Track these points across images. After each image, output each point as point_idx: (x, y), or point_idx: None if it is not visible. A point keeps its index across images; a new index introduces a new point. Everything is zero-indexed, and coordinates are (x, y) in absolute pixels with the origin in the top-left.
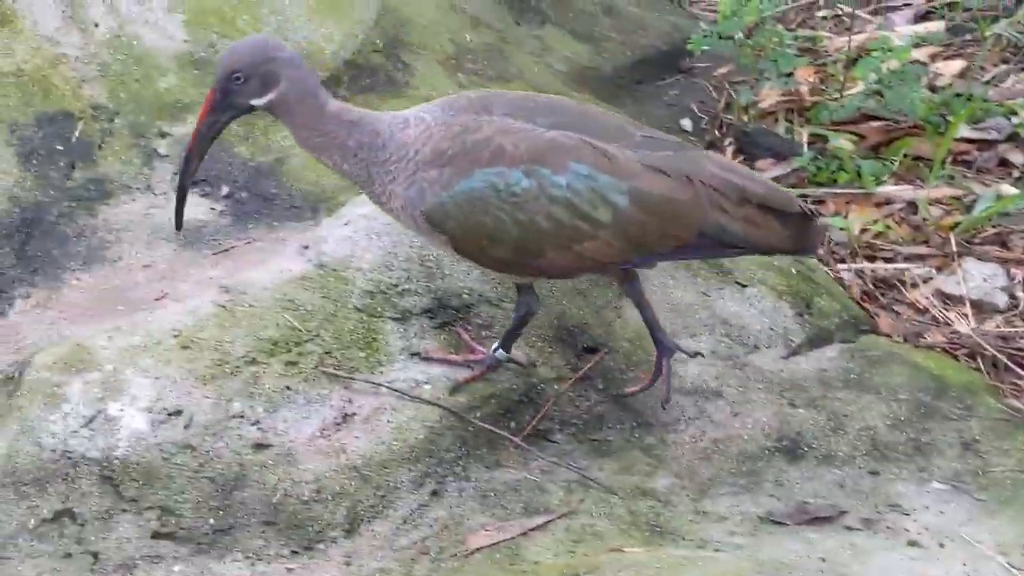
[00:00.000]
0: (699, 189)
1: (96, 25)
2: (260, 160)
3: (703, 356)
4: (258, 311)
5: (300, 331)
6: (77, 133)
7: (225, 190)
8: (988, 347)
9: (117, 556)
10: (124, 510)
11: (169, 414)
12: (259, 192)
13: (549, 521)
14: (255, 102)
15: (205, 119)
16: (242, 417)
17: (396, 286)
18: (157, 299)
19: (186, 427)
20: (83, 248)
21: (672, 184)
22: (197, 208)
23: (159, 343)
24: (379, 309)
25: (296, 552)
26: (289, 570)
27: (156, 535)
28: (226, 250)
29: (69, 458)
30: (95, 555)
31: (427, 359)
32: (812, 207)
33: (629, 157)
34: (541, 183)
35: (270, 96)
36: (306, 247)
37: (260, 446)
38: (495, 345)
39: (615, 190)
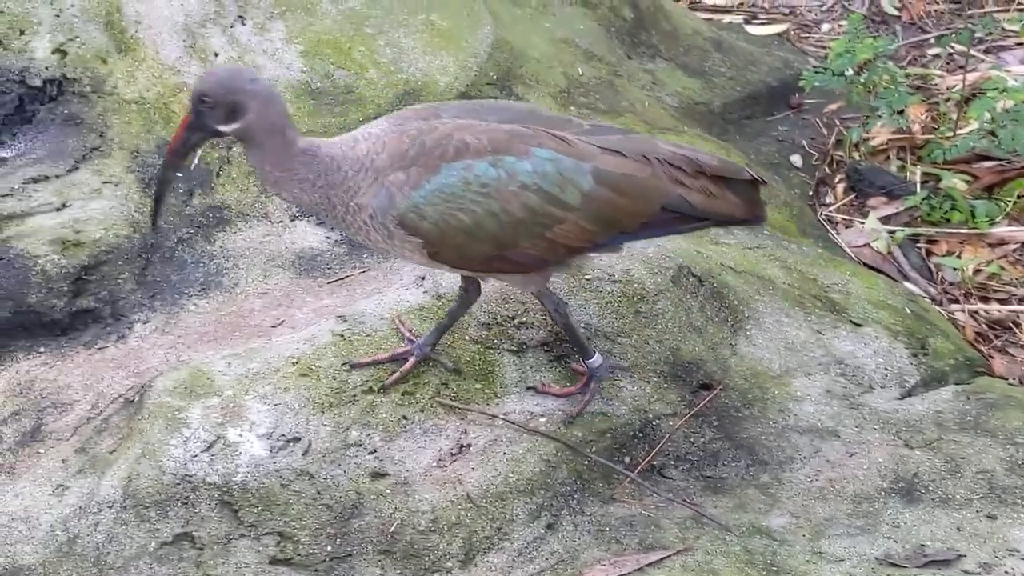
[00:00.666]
0: (656, 165)
1: (216, 55)
2: None
3: (459, 372)
4: (376, 341)
5: (419, 364)
6: (196, 160)
7: None
8: None
9: None
10: (243, 535)
11: (287, 441)
12: None
13: (665, 557)
14: (222, 128)
15: (180, 135)
16: (359, 446)
17: (513, 318)
18: (274, 326)
19: (304, 454)
20: (201, 274)
21: (630, 162)
22: (312, 237)
23: (277, 370)
24: (495, 341)
25: None
26: None
27: (274, 561)
28: (341, 279)
29: (189, 482)
30: None
31: (542, 392)
32: (757, 174)
33: (584, 141)
34: (509, 171)
35: (236, 125)
36: (423, 277)
37: (377, 475)
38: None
39: (579, 172)
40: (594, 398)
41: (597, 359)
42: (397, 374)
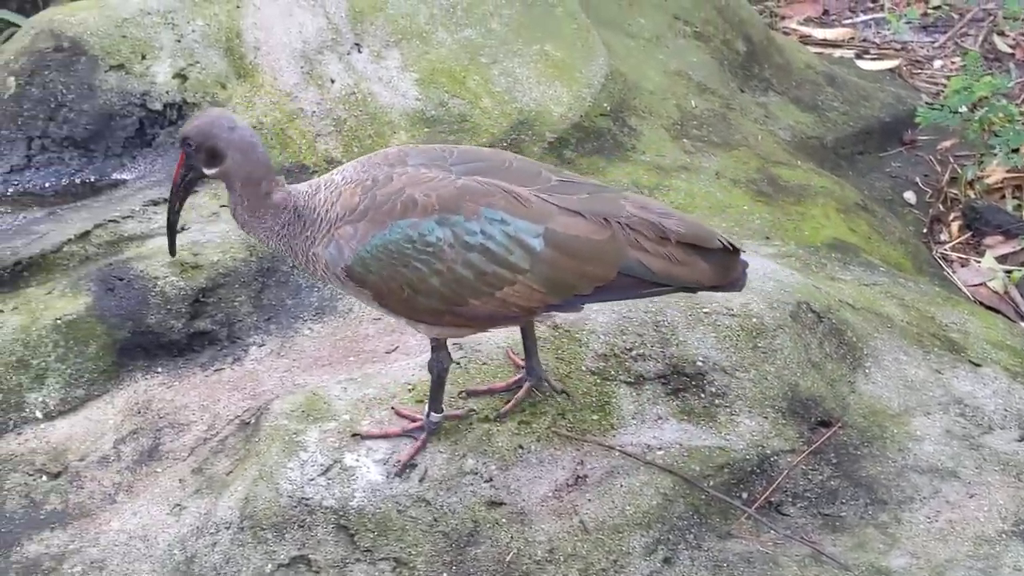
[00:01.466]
0: (616, 229)
1: (332, 82)
2: None
3: (567, 395)
4: (491, 369)
5: (534, 391)
6: None
7: None
8: None
9: None
10: (359, 559)
11: (404, 467)
12: None
13: None
14: (205, 170)
15: (179, 171)
16: (476, 474)
17: (630, 350)
18: (388, 352)
19: (420, 480)
20: (315, 299)
21: (588, 225)
22: None
23: (394, 396)
24: (612, 372)
25: None
26: None
27: None
28: None
29: (306, 505)
30: None
31: (365, 438)
32: (733, 241)
33: (544, 200)
34: (455, 231)
35: (215, 169)
36: None
37: (493, 503)
38: (426, 410)
39: (530, 233)
40: (423, 449)
41: (437, 417)
42: (512, 402)
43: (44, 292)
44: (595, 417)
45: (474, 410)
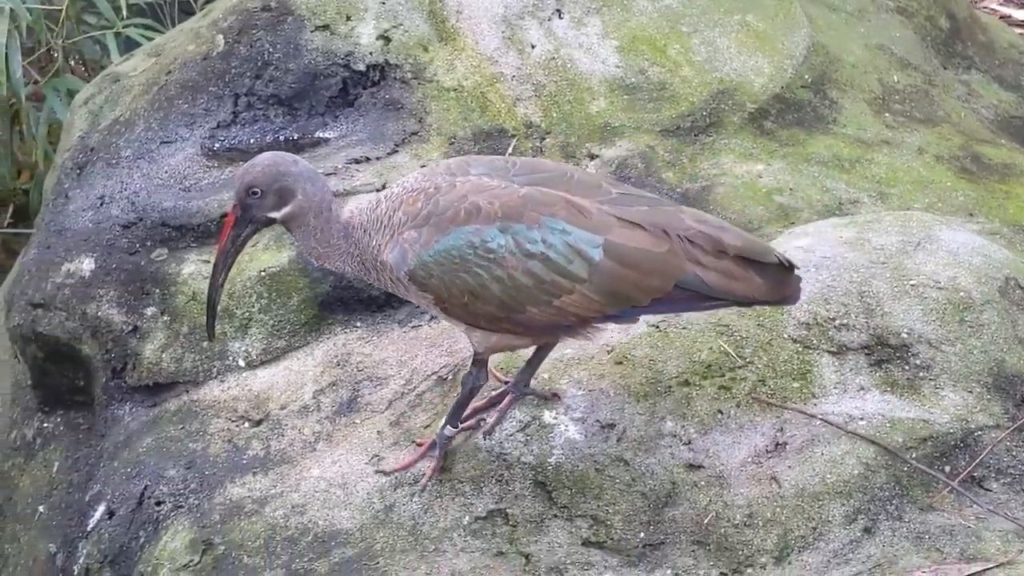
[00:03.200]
0: (675, 242)
1: (532, 47)
2: (687, 186)
3: (558, 397)
4: (692, 334)
5: (734, 357)
6: (511, 149)
7: None
8: None
9: (548, 559)
10: (556, 516)
11: (602, 426)
12: None
13: (987, 569)
14: (273, 215)
15: (228, 234)
16: (674, 436)
17: (833, 320)
18: None
19: (619, 441)
20: None
21: (648, 237)
22: None
23: (592, 357)
24: (815, 341)
25: (724, 574)
26: None
27: (586, 543)
28: None
29: (504, 460)
30: (527, 556)
31: (389, 473)
32: (789, 258)
33: (604, 211)
34: (516, 239)
35: (287, 209)
36: None
37: (692, 466)
38: (442, 423)
39: (590, 244)
40: (440, 463)
41: (451, 432)
42: (496, 414)
43: (249, 245)
44: (796, 385)
45: (484, 418)
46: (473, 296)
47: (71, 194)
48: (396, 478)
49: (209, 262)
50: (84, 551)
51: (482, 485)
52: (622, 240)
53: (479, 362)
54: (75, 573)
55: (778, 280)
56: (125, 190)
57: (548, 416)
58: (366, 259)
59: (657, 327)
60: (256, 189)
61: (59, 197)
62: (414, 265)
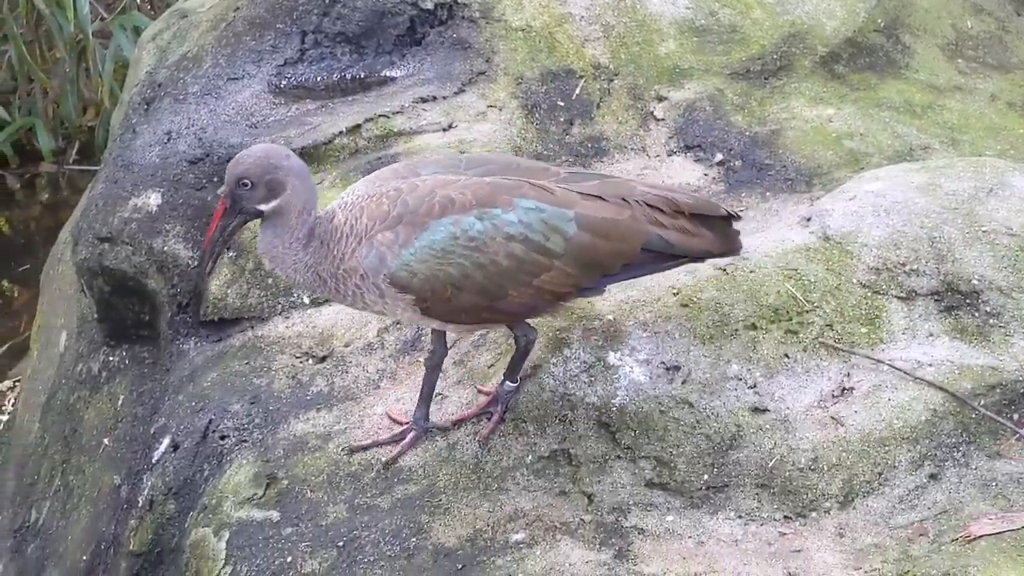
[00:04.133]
0: (635, 207)
1: None
2: (756, 130)
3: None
4: (759, 277)
5: (801, 301)
6: (578, 91)
7: (718, 157)
8: None
9: (611, 500)
10: (619, 456)
11: (667, 368)
12: (753, 161)
13: None
14: (262, 207)
15: (217, 224)
16: (739, 379)
17: (903, 265)
18: None
19: (683, 383)
20: None
21: (610, 206)
22: (690, 173)
23: (658, 299)
24: (884, 287)
25: (789, 517)
26: (782, 534)
27: (649, 484)
28: None
29: (568, 401)
30: (589, 496)
31: (455, 423)
32: (732, 209)
33: (564, 188)
34: (495, 223)
35: (275, 203)
36: (808, 219)
37: (757, 410)
38: (502, 379)
39: (563, 219)
40: (503, 420)
41: (510, 387)
42: (399, 448)
43: (315, 182)
44: (864, 330)
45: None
46: (457, 289)
47: (139, 129)
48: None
49: None
50: (148, 483)
51: (545, 425)
52: (589, 212)
53: (519, 324)
54: (139, 504)
55: (725, 232)
56: (192, 126)
57: (613, 358)
58: (322, 270)
59: (724, 270)
60: (247, 180)
61: (127, 132)
62: (395, 267)
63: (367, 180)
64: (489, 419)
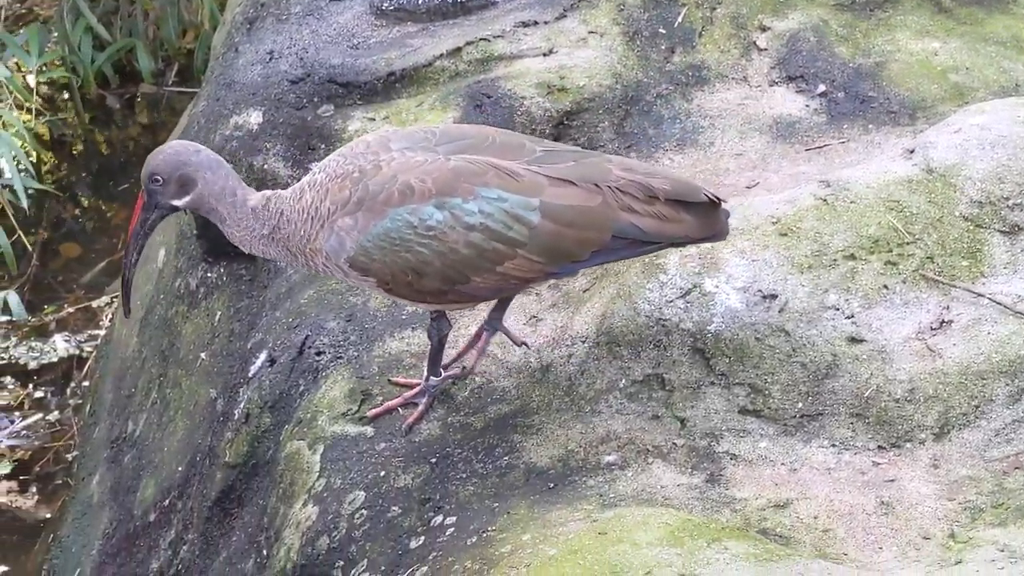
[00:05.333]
0: (607, 193)
1: None
2: (860, 62)
3: (527, 346)
4: (860, 208)
5: (902, 232)
6: (680, 18)
7: (821, 88)
8: None
9: (704, 425)
10: (713, 383)
11: (764, 296)
12: (856, 93)
13: None
14: (176, 203)
15: (137, 217)
16: (837, 309)
17: (1007, 199)
18: (748, 187)
19: (780, 311)
20: (677, 131)
21: (580, 192)
22: (791, 104)
23: (756, 228)
24: (987, 220)
25: (883, 447)
26: (875, 464)
27: (743, 411)
28: (819, 147)
29: (663, 326)
30: (682, 421)
31: (374, 419)
32: (717, 193)
33: (533, 172)
34: (454, 213)
35: (188, 198)
36: (911, 151)
37: (854, 340)
38: (425, 375)
39: (526, 208)
40: (427, 413)
41: (436, 381)
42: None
43: (415, 104)
44: (965, 263)
45: (465, 367)
46: (417, 274)
47: (241, 48)
48: (553, 339)
49: (375, 119)
50: (245, 397)
51: (640, 350)
52: (556, 199)
53: (437, 315)
54: (235, 417)
55: (708, 217)
56: (294, 46)
57: (709, 284)
58: (292, 246)
59: (824, 200)
60: (158, 177)
61: (229, 51)
62: (354, 252)
63: (338, 154)
64: (417, 406)
